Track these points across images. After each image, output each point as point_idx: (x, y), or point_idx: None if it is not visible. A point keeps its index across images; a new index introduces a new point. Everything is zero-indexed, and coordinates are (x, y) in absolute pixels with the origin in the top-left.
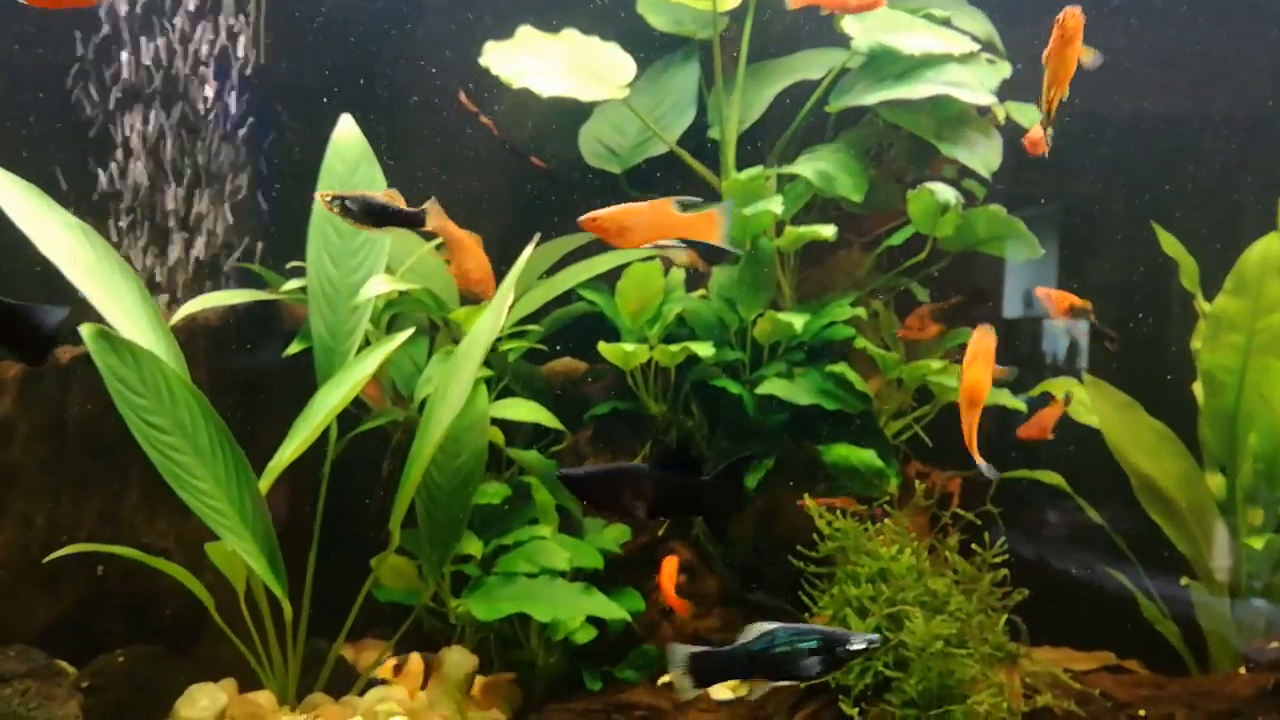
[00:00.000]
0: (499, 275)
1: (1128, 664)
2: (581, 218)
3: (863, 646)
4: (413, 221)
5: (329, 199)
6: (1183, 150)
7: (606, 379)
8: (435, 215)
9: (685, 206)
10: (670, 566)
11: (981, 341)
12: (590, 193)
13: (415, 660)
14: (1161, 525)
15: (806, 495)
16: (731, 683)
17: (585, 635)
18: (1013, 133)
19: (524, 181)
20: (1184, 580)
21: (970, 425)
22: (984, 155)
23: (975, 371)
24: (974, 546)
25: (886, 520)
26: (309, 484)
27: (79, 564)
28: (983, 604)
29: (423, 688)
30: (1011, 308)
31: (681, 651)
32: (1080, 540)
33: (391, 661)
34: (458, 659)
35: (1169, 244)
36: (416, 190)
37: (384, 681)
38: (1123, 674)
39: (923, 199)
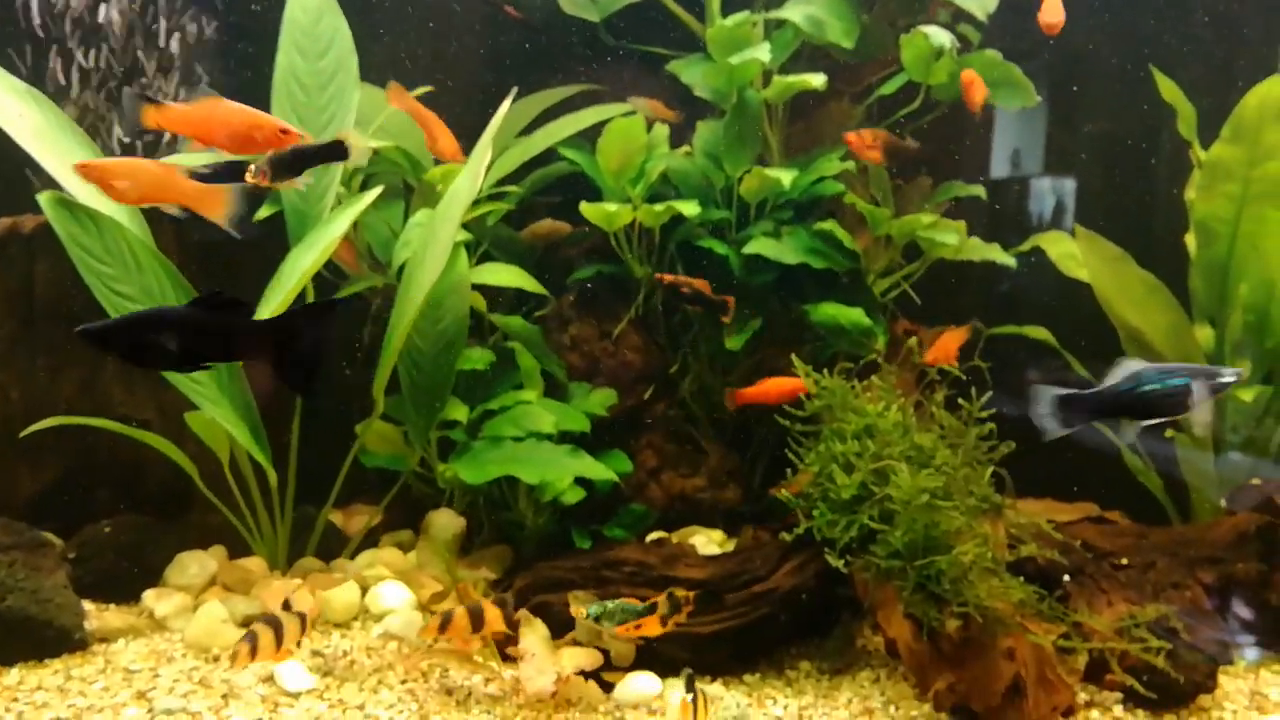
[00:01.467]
0: (471, 141)
1: (1111, 515)
2: (75, 164)
3: (1232, 379)
4: (332, 154)
5: (254, 171)
6: None
7: (590, 241)
8: (399, 95)
9: (199, 177)
10: (775, 385)
11: None
12: (569, 44)
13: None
14: None
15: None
16: (718, 536)
17: (574, 496)
18: None
19: (499, 32)
20: (1169, 433)
21: None
22: None
23: None
24: (960, 401)
25: (873, 378)
26: None
27: (61, 437)
28: (968, 458)
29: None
30: (999, 167)
31: (1047, 392)
32: None
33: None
34: (445, 520)
35: (1168, 90)
36: (383, 45)
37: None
38: (1105, 524)
39: (916, 43)
